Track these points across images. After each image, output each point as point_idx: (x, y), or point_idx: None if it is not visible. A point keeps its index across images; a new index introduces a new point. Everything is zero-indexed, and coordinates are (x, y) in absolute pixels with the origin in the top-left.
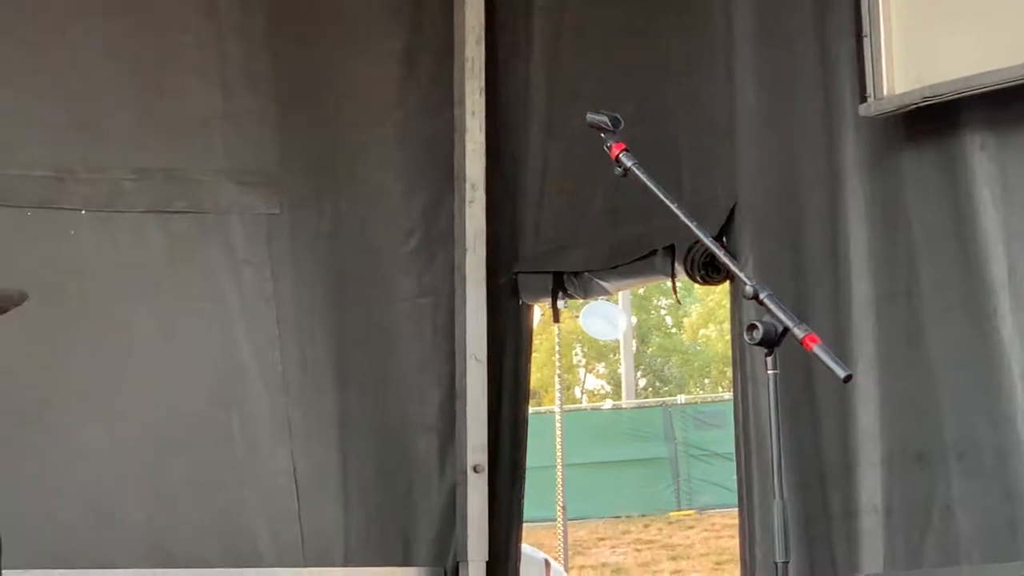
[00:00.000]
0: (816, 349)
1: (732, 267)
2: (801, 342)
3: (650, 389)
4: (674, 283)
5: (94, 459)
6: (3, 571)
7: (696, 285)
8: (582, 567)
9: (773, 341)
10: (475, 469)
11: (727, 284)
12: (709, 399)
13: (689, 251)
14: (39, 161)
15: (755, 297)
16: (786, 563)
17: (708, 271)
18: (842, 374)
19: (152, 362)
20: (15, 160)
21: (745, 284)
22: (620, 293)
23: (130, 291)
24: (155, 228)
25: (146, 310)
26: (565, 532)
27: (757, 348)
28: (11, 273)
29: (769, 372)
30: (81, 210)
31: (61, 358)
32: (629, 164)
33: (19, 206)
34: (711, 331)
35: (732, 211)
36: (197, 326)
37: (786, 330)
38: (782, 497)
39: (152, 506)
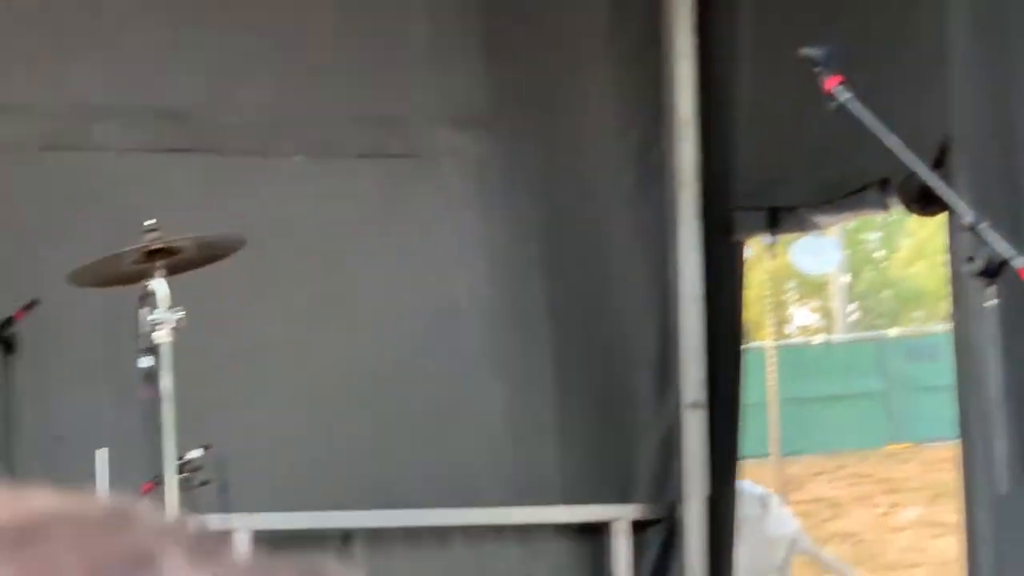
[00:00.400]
0: None
1: (950, 198)
2: (1019, 273)
3: (862, 323)
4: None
5: (313, 403)
6: (233, 513)
7: (906, 218)
8: (797, 502)
9: (993, 272)
10: (693, 406)
11: (939, 216)
12: (922, 332)
13: (904, 184)
14: (254, 109)
15: (973, 227)
16: (1008, 495)
17: (924, 203)
18: None
19: (369, 306)
20: (230, 108)
21: (964, 215)
22: (832, 228)
23: (345, 236)
24: (369, 173)
25: (361, 255)
26: (780, 468)
27: (975, 279)
28: (228, 220)
29: (988, 304)
30: (296, 156)
31: (279, 304)
32: (843, 97)
33: (235, 154)
34: (922, 264)
35: (945, 144)
36: (412, 269)
37: (1005, 261)
38: (1005, 430)
39: (371, 448)
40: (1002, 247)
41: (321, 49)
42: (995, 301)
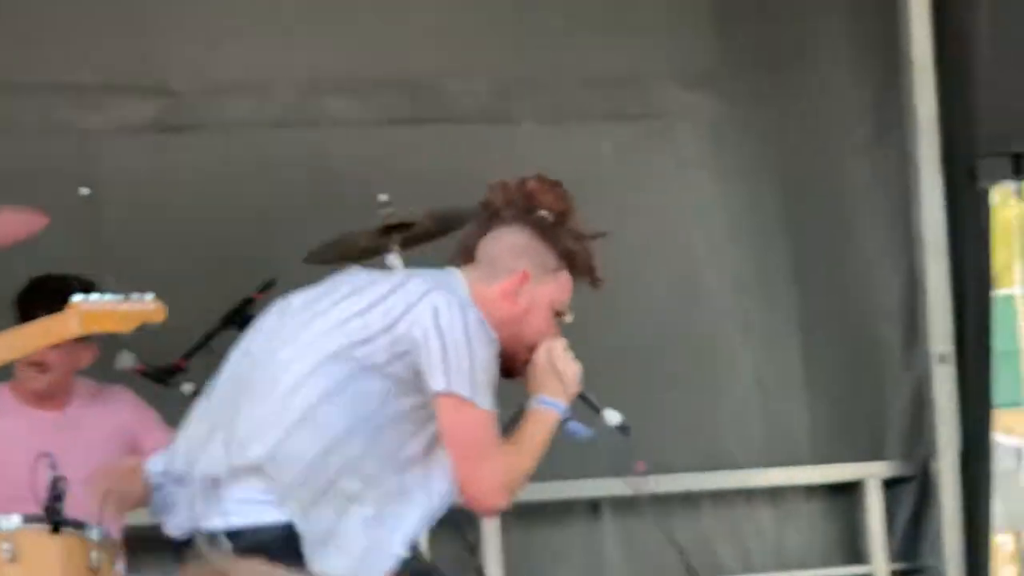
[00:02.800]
0: None
1: None
2: None
3: None
4: None
5: None
6: None
7: None
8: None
9: None
10: (942, 359)
11: None
12: None
13: None
14: (484, 74)
15: None
16: None
17: None
18: None
19: (610, 272)
20: (459, 74)
21: None
22: None
23: (580, 199)
24: (603, 135)
25: (599, 220)
26: None
27: None
28: (462, 190)
29: None
30: (523, 122)
31: None
32: None
33: (467, 122)
34: None
35: None
36: (650, 232)
37: None
38: None
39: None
40: None
41: (551, 11)
42: None
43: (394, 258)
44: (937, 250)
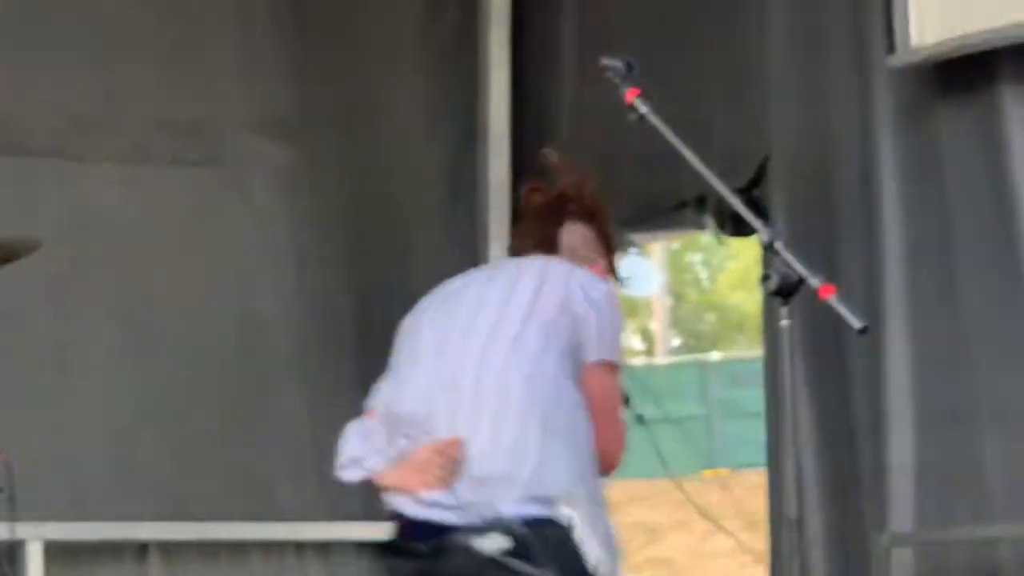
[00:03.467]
0: (831, 299)
1: (747, 215)
2: (816, 292)
3: (684, 347)
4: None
5: (111, 410)
6: (21, 524)
7: (732, 242)
8: (616, 526)
9: (788, 290)
10: None
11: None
12: (744, 357)
13: (719, 202)
14: (60, 110)
15: (769, 245)
16: (800, 518)
17: (738, 223)
18: (857, 325)
19: (172, 315)
20: (34, 108)
21: (762, 233)
22: (655, 249)
23: (151, 243)
24: (176, 180)
25: (165, 263)
26: None
27: (771, 298)
28: (32, 222)
29: (783, 322)
30: (102, 162)
31: (81, 307)
32: (644, 110)
33: (39, 155)
34: (746, 288)
35: (763, 163)
36: (217, 279)
37: (801, 279)
38: (796, 450)
39: (170, 459)
40: (797, 265)
41: (129, 51)
42: (787, 321)
43: None
44: None
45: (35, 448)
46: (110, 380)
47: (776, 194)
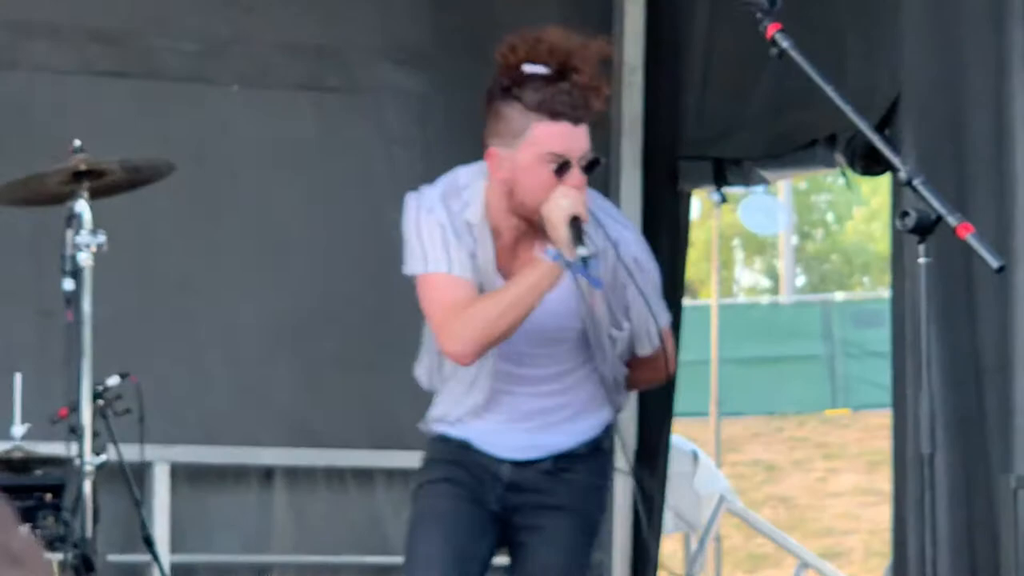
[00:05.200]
0: (969, 238)
1: (888, 153)
2: (954, 231)
3: (809, 286)
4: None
5: (238, 335)
6: (150, 445)
7: (860, 183)
8: (735, 463)
9: (926, 228)
10: None
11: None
12: (869, 298)
13: (850, 141)
14: (190, 35)
15: (909, 183)
16: (932, 454)
17: (868, 162)
18: (995, 264)
19: (301, 239)
20: (167, 33)
21: (899, 170)
22: (782, 188)
23: (281, 167)
24: (307, 105)
25: (296, 186)
26: (718, 428)
27: (909, 236)
28: (159, 147)
29: (921, 260)
30: (232, 85)
31: (210, 233)
32: (785, 45)
33: (170, 79)
34: (872, 228)
35: (895, 101)
36: (347, 205)
37: (939, 217)
38: (929, 387)
39: (298, 386)
40: (937, 203)
41: None
42: (925, 259)
43: (83, 204)
44: None
45: (164, 373)
46: (238, 305)
47: (907, 134)
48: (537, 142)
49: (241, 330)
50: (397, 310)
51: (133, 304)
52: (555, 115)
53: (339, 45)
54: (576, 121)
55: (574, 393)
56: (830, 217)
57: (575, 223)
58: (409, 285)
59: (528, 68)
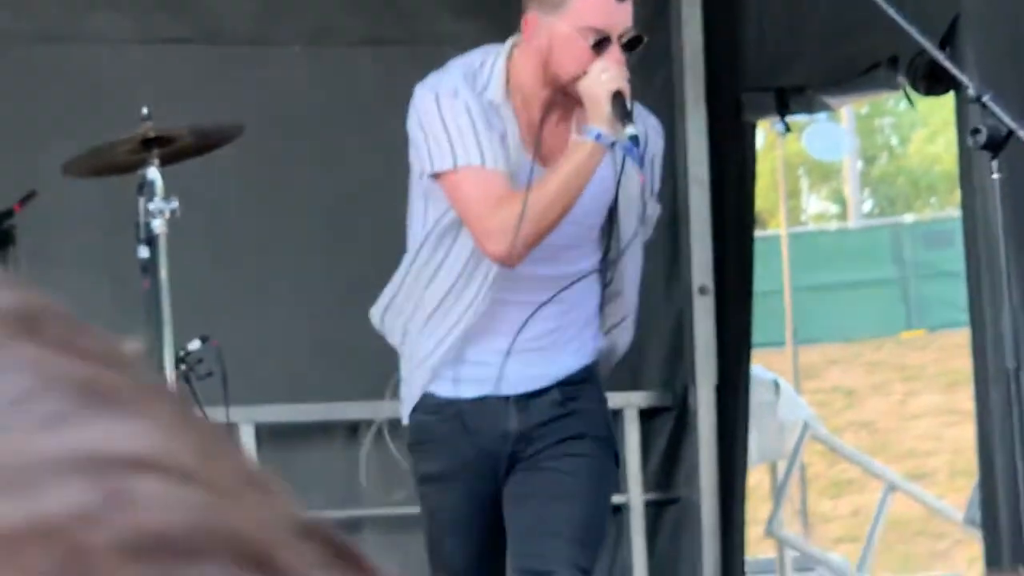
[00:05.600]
0: None
1: (955, 72)
2: None
3: (877, 210)
4: (905, 93)
5: (314, 296)
6: (234, 407)
7: (921, 105)
8: (814, 391)
9: (998, 143)
10: (701, 291)
11: (952, 99)
12: (937, 218)
13: (912, 62)
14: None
15: (978, 99)
16: (1018, 369)
17: (931, 82)
18: None
19: (367, 199)
20: None
21: (967, 87)
22: (844, 114)
23: (343, 126)
24: (367, 59)
25: (363, 148)
26: (795, 356)
27: (980, 152)
28: (226, 110)
29: (995, 176)
30: (294, 46)
31: (280, 192)
32: None
33: (232, 43)
34: (936, 149)
35: (955, 21)
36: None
37: (1011, 132)
38: (1011, 303)
39: (377, 339)
40: (1007, 119)
41: None
42: (998, 175)
43: (154, 172)
44: (700, 183)
45: (243, 334)
46: (312, 265)
47: (967, 51)
48: (578, 13)
49: (314, 288)
50: None
51: (207, 268)
52: None
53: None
54: None
55: (580, 305)
56: (894, 140)
57: (618, 98)
58: None
59: None
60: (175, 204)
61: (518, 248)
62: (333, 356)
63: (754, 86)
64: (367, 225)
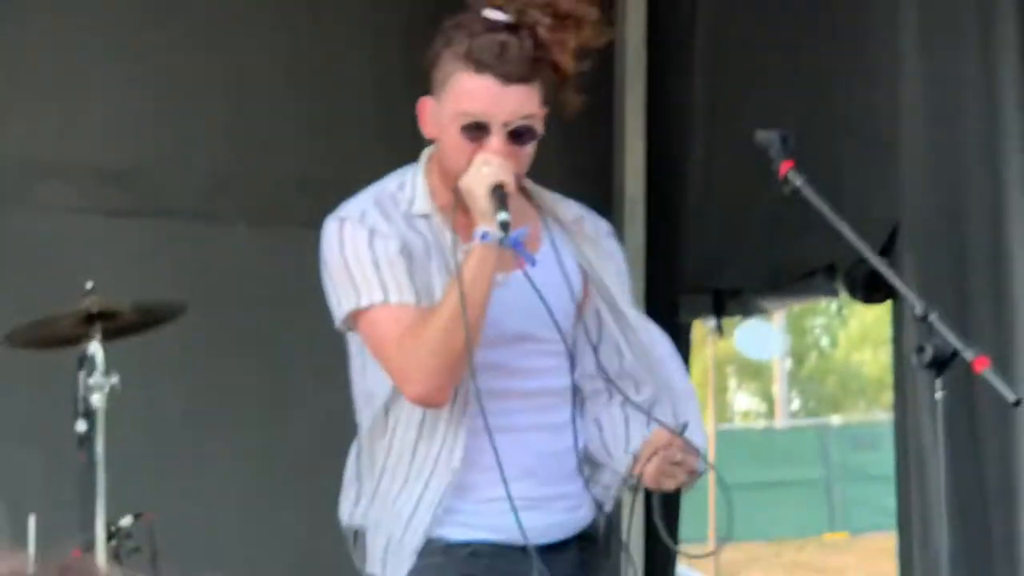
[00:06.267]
0: (985, 373)
1: (902, 287)
2: (970, 365)
3: (804, 410)
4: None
5: (250, 474)
6: None
7: (850, 305)
8: None
9: (943, 363)
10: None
11: (884, 305)
12: (865, 421)
13: (850, 270)
14: (197, 172)
15: (924, 318)
16: None
17: (869, 290)
18: (1012, 398)
19: (315, 377)
20: (176, 171)
21: (915, 304)
22: (775, 313)
23: (286, 305)
24: (313, 240)
25: (305, 327)
26: (717, 553)
27: (920, 370)
28: (171, 285)
29: (937, 395)
30: (238, 224)
31: (219, 372)
32: (798, 183)
33: (179, 218)
34: (866, 352)
35: (895, 229)
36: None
37: (955, 352)
38: (948, 524)
39: (303, 521)
40: (953, 339)
41: (266, 110)
42: (941, 393)
43: (95, 346)
44: None
45: (175, 510)
46: (245, 442)
47: (906, 260)
48: (455, 97)
49: (247, 466)
50: None
51: (143, 442)
52: (479, 66)
53: (345, 179)
54: (506, 78)
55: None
56: (824, 341)
57: (497, 191)
58: None
59: (487, 12)
60: (116, 379)
61: (433, 382)
62: (262, 534)
63: (691, 287)
64: (308, 404)
